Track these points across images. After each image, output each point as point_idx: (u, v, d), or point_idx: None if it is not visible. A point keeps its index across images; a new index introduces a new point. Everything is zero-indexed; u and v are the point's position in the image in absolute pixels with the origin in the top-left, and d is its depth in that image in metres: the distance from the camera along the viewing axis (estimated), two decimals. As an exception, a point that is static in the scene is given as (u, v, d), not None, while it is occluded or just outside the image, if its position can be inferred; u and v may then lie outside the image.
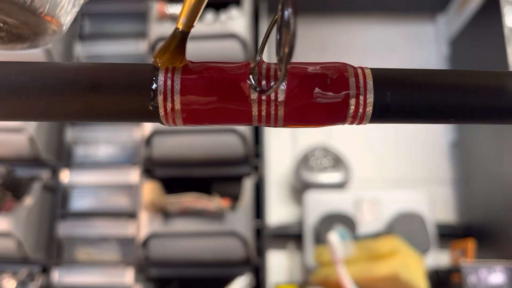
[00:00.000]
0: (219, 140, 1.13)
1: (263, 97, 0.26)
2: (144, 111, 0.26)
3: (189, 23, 0.25)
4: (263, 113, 0.26)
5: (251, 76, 0.26)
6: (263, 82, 0.26)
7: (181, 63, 0.26)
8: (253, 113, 0.26)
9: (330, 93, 0.26)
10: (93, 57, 1.29)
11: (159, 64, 0.26)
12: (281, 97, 0.26)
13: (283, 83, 0.26)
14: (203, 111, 0.26)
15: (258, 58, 0.26)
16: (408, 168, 1.41)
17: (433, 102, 0.26)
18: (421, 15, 1.53)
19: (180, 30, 0.26)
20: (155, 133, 1.11)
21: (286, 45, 0.21)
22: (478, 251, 1.22)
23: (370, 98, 0.26)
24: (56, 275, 1.15)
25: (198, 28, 1.13)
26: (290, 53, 0.21)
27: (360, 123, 0.27)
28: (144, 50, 1.26)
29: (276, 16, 0.24)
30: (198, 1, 0.25)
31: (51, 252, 1.18)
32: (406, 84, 0.27)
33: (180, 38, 0.26)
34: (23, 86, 0.24)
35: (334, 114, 0.26)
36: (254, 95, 0.26)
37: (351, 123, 0.27)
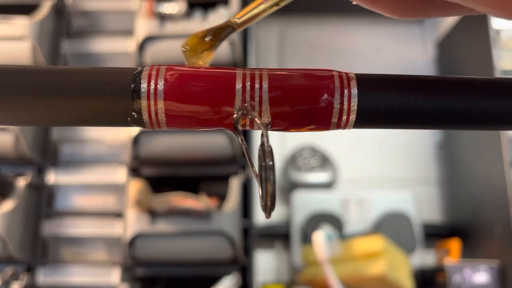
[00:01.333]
0: (206, 140, 1.13)
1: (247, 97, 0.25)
2: (127, 116, 0.25)
3: (242, 24, 0.25)
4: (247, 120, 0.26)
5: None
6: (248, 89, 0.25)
7: (205, 58, 0.26)
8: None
9: (312, 97, 0.26)
10: (81, 55, 1.27)
11: (186, 49, 0.26)
12: (265, 96, 0.25)
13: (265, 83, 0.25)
14: (187, 116, 0.25)
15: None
16: (394, 168, 1.42)
17: (418, 108, 0.26)
18: (409, 16, 1.54)
19: (236, 22, 0.26)
20: (142, 132, 1.11)
21: (268, 198, 0.22)
22: (463, 251, 1.23)
23: (354, 103, 0.26)
24: (41, 275, 1.14)
25: (185, 27, 1.12)
26: (273, 204, 0.22)
27: (344, 128, 0.27)
28: (132, 48, 1.25)
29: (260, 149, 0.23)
30: (263, 10, 0.25)
31: (36, 251, 1.17)
32: (391, 90, 0.26)
33: (227, 31, 0.26)
34: None
35: (317, 119, 0.26)
36: (238, 102, 0.25)
37: (336, 128, 0.27)
